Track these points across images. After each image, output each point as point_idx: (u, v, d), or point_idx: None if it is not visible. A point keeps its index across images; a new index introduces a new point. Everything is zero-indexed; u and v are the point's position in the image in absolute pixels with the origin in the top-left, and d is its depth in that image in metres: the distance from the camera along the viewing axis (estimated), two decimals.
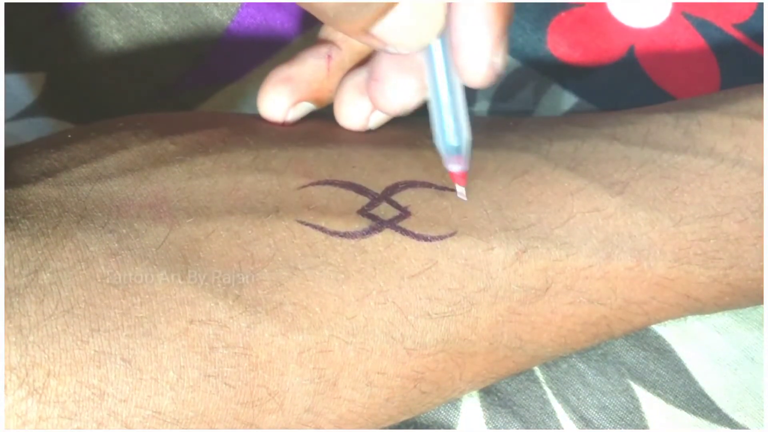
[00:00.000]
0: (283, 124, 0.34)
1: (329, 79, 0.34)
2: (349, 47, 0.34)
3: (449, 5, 0.28)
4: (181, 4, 0.43)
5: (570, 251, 0.31)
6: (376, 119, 0.34)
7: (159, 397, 0.27)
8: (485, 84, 0.29)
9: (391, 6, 0.27)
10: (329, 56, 0.34)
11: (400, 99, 0.32)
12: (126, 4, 0.43)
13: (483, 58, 0.29)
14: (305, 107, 0.34)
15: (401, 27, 0.27)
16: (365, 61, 0.34)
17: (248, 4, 0.44)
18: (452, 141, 0.30)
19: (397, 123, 0.34)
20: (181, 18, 0.44)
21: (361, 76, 0.33)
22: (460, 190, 0.31)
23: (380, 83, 0.31)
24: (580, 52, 0.43)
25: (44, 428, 0.25)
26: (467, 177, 0.31)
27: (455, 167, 0.31)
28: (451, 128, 0.30)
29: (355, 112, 0.34)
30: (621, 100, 0.42)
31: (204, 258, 0.28)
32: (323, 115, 0.35)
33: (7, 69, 0.43)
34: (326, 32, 0.35)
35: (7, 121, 0.42)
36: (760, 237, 0.32)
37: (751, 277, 0.33)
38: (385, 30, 0.27)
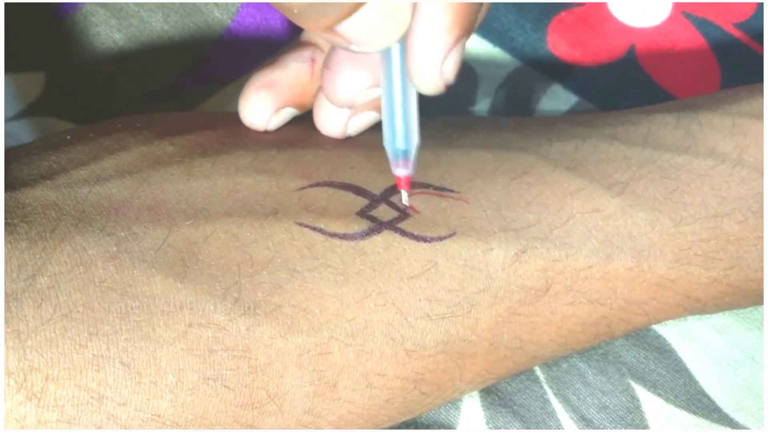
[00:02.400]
0: (266, 132, 0.33)
1: (312, 83, 0.33)
2: None
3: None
4: (181, 3, 0.43)
5: (570, 252, 0.31)
6: (355, 126, 0.33)
7: (158, 401, 0.27)
8: (434, 92, 0.29)
9: (358, 5, 0.26)
10: (313, 60, 0.33)
11: (349, 91, 0.31)
12: (126, 3, 0.43)
13: (433, 65, 0.28)
14: (288, 113, 0.34)
15: (367, 27, 0.27)
16: None
17: (248, 4, 0.44)
18: (400, 144, 0.30)
19: None
20: (181, 17, 0.44)
21: None
22: (404, 195, 0.31)
23: (332, 73, 0.31)
24: (581, 51, 0.43)
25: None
26: (410, 182, 0.31)
27: (401, 171, 0.30)
28: (401, 132, 0.30)
29: (334, 118, 0.33)
30: (621, 100, 0.42)
31: (203, 260, 0.28)
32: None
33: (7, 69, 0.43)
34: (308, 34, 0.34)
35: (7, 120, 0.42)
36: (761, 238, 0.32)
37: (752, 278, 0.33)
38: (351, 29, 0.27)
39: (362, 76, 0.31)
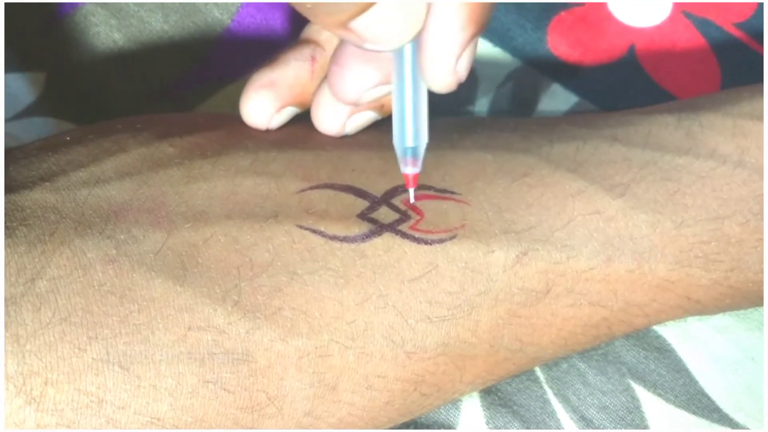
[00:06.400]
0: (266, 132, 0.33)
1: (313, 81, 0.33)
2: (334, 48, 0.33)
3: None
4: (181, 3, 0.43)
5: (571, 254, 0.31)
6: (353, 125, 0.33)
7: (157, 404, 0.27)
8: (446, 90, 0.29)
9: (372, 3, 0.26)
10: (313, 58, 0.33)
11: (358, 88, 0.31)
12: (126, 3, 0.43)
13: (447, 63, 0.28)
14: (289, 112, 0.34)
15: (382, 24, 0.26)
16: None
17: (248, 4, 0.43)
18: (410, 142, 0.30)
19: None
20: (181, 17, 0.43)
21: None
22: (411, 193, 0.31)
23: (341, 69, 0.31)
24: (581, 51, 0.43)
25: None
26: (418, 179, 0.31)
27: (409, 169, 0.30)
28: (411, 130, 0.30)
29: (332, 116, 0.33)
30: (621, 100, 0.42)
31: (202, 263, 0.28)
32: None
33: (8, 68, 0.43)
34: (309, 32, 0.34)
35: (7, 120, 0.42)
36: (762, 240, 0.32)
37: (752, 280, 0.33)
38: (365, 26, 0.26)
39: (371, 73, 0.31)
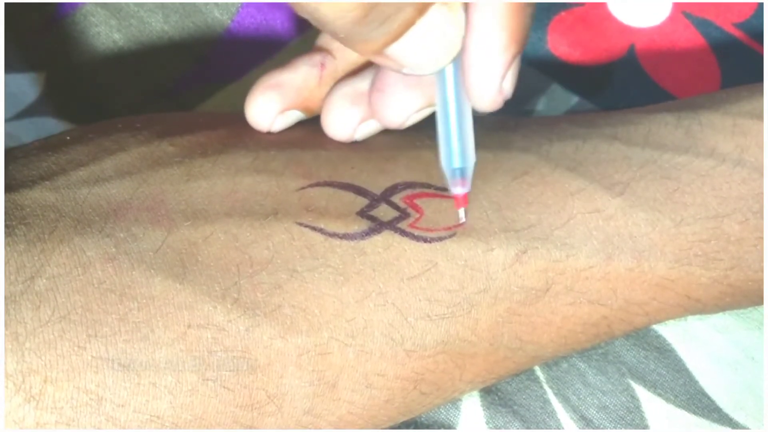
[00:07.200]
0: (269, 133, 0.33)
1: (320, 87, 0.33)
2: (345, 57, 0.33)
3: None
4: (181, 3, 0.43)
5: (570, 252, 0.31)
6: (363, 131, 0.33)
7: (157, 402, 0.27)
8: (493, 108, 0.29)
9: (407, 27, 0.26)
10: (322, 64, 0.33)
11: (402, 113, 0.31)
12: (126, 4, 0.43)
13: (493, 83, 0.28)
14: (294, 115, 0.33)
15: (417, 49, 0.27)
16: (358, 70, 0.33)
17: (248, 4, 0.43)
18: (457, 163, 0.30)
19: None
20: (181, 18, 0.44)
21: (351, 86, 0.33)
22: (461, 213, 0.31)
23: (384, 95, 0.31)
24: (581, 51, 0.43)
25: None
26: (468, 199, 0.31)
27: (459, 189, 0.30)
28: (457, 151, 0.30)
29: (342, 123, 0.33)
30: (621, 99, 0.42)
31: (202, 261, 0.28)
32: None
33: (8, 68, 0.43)
34: (323, 40, 0.34)
35: (7, 120, 0.42)
36: (761, 238, 0.32)
37: (752, 278, 0.33)
38: (401, 52, 0.27)
39: (414, 97, 0.31)
